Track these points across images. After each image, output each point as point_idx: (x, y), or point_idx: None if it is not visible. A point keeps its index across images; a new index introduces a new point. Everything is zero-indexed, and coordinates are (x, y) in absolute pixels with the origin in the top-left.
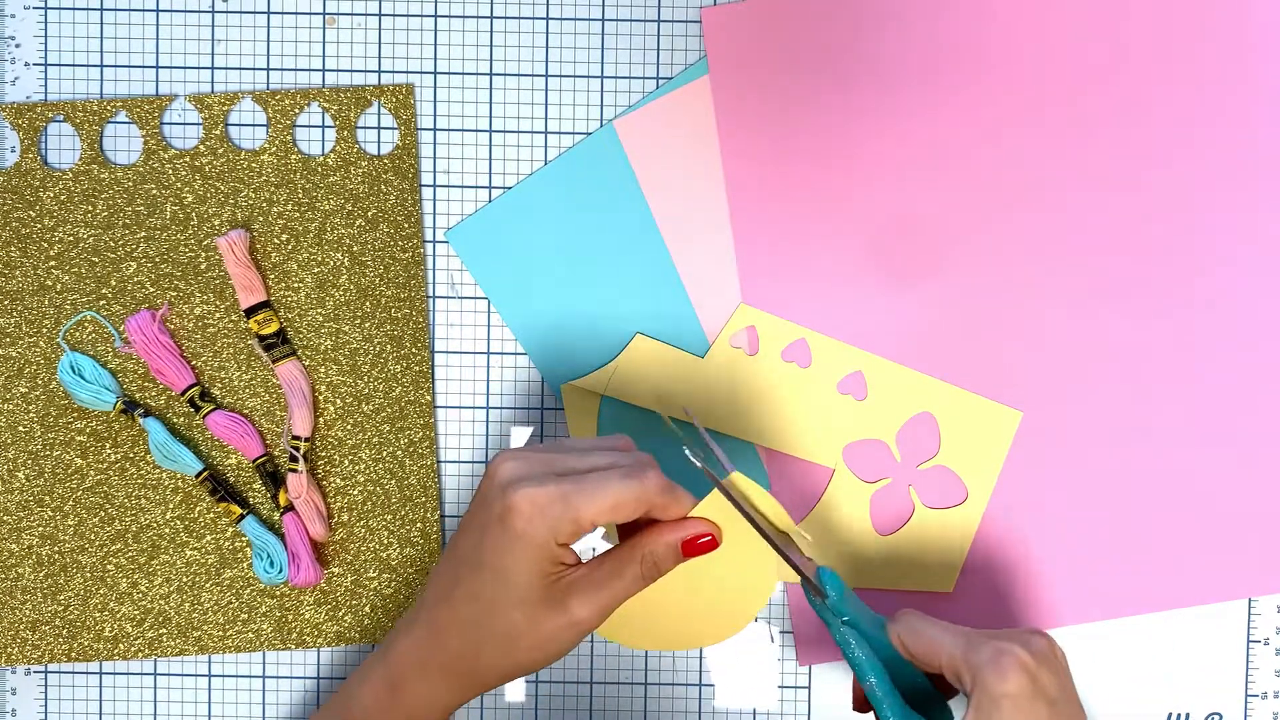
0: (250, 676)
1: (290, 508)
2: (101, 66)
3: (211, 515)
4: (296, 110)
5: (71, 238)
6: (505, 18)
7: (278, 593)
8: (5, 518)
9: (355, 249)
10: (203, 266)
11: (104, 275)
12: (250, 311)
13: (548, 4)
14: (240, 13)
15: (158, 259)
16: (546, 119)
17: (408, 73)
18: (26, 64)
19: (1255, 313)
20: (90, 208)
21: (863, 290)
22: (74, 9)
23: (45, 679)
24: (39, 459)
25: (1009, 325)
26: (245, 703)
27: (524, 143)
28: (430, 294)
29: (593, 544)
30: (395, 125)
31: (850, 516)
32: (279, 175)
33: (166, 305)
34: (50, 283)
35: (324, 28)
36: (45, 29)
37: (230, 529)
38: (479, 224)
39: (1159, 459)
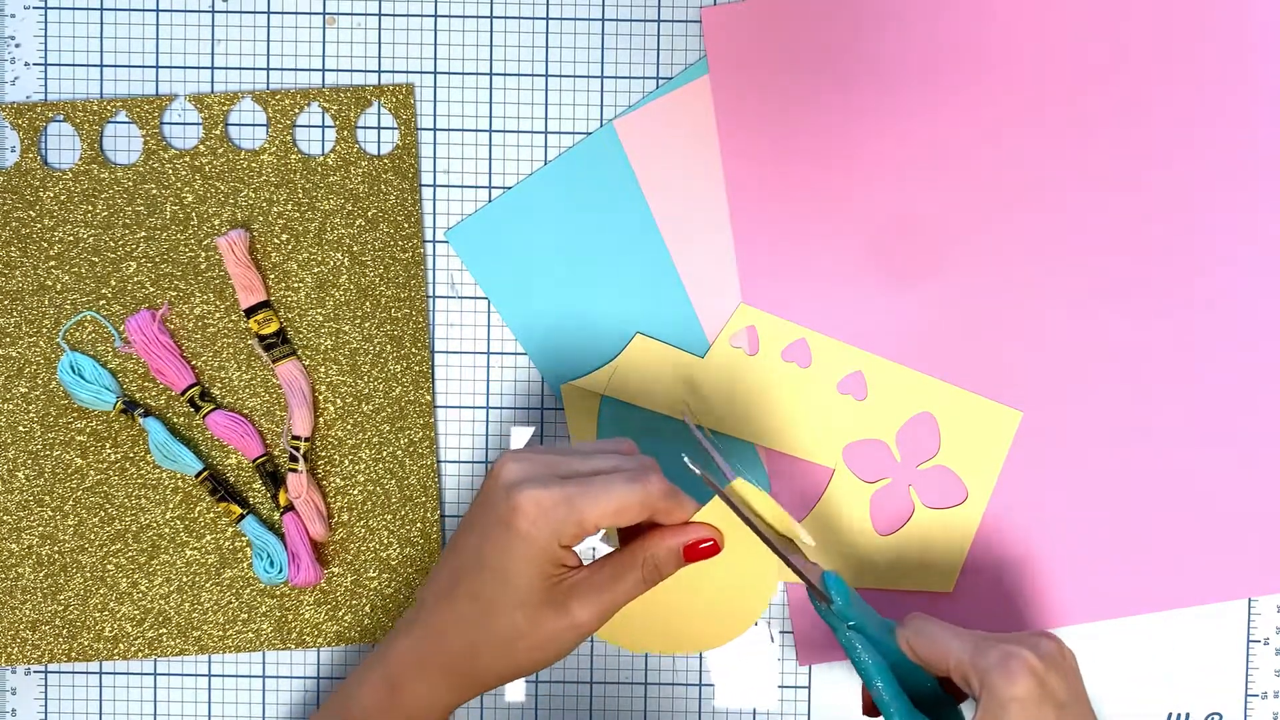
0: (250, 676)
1: (290, 508)
2: (101, 66)
3: (211, 515)
4: (296, 110)
5: (71, 238)
6: (505, 18)
7: (278, 593)
8: (5, 518)
9: (355, 249)
10: (203, 266)
11: (104, 275)
12: (250, 311)
13: (548, 4)
14: (240, 13)
15: (158, 259)
16: (546, 119)
17: (408, 73)
18: (26, 64)
19: (1255, 313)
20: (90, 208)
21: (863, 290)
22: (74, 9)
23: (45, 679)
24: (39, 459)
25: (1009, 325)
26: (245, 703)
27: (524, 143)
28: (430, 294)
29: (592, 545)
30: (395, 125)
31: (850, 516)
32: (279, 175)
33: (166, 305)
34: (50, 283)
35: (324, 28)
36: (45, 29)
37: (230, 529)
38: (479, 224)
39: (1159, 459)
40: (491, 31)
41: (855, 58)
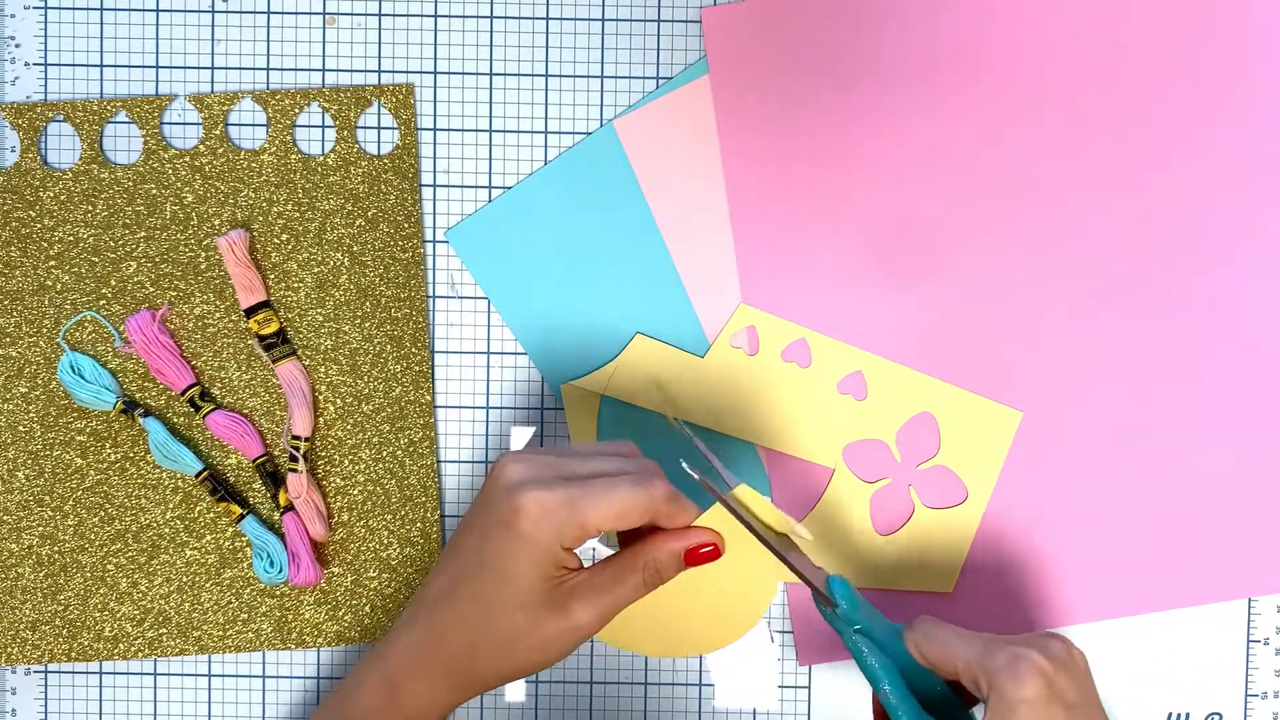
0: (250, 676)
1: (290, 508)
2: (101, 66)
3: (211, 515)
4: (296, 110)
5: (71, 238)
6: (505, 18)
7: (278, 593)
8: (5, 518)
9: (355, 249)
10: (203, 266)
11: (104, 275)
12: (250, 311)
13: (548, 4)
14: (240, 13)
15: (158, 259)
16: (546, 119)
17: (408, 73)
18: (26, 64)
19: (1255, 313)
20: (90, 208)
21: (863, 290)
22: (74, 9)
23: (45, 679)
24: (39, 459)
25: (1009, 325)
26: (245, 703)
27: (524, 143)
28: (430, 294)
29: (591, 546)
30: (395, 125)
31: (850, 516)
32: (279, 175)
33: (166, 305)
34: (50, 283)
35: (324, 28)
36: (45, 29)
37: (230, 529)
38: (479, 224)
39: (1159, 459)
40: (491, 31)
41: (855, 58)
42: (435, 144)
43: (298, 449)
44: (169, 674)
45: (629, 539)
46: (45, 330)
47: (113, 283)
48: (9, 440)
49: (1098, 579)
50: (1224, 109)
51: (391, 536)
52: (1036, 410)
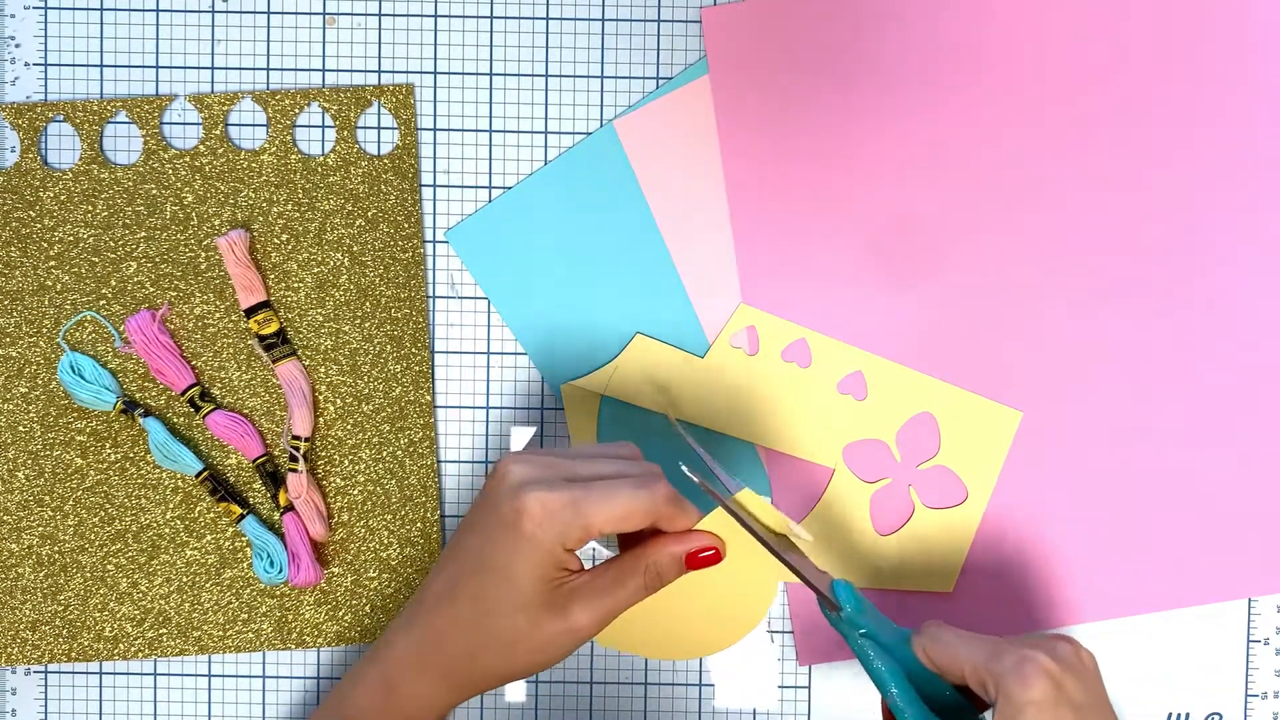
0: (250, 676)
1: (290, 508)
2: (101, 66)
3: (211, 515)
4: (296, 110)
5: (71, 238)
6: (505, 18)
7: (278, 593)
8: (5, 518)
9: (355, 249)
10: (203, 266)
11: (104, 275)
12: (250, 311)
13: (548, 4)
14: (240, 13)
15: (158, 259)
16: (546, 119)
17: (408, 73)
18: (26, 64)
19: (1255, 313)
20: (90, 208)
21: (863, 290)
22: (74, 9)
23: (45, 679)
24: (39, 459)
25: (1009, 325)
26: (245, 703)
27: (524, 143)
28: (430, 294)
29: (590, 547)
30: (395, 125)
31: (850, 516)
32: (279, 175)
33: (166, 305)
34: (50, 283)
35: (324, 28)
36: (45, 29)
37: (230, 529)
38: (479, 224)
39: (1159, 459)
40: (491, 31)
41: (855, 58)
42: (435, 144)
43: (298, 449)
44: (169, 674)
45: (629, 542)
46: (45, 330)
47: (113, 283)
48: (9, 440)
49: (1098, 579)
50: (1224, 109)
51: (391, 536)
52: (1036, 410)
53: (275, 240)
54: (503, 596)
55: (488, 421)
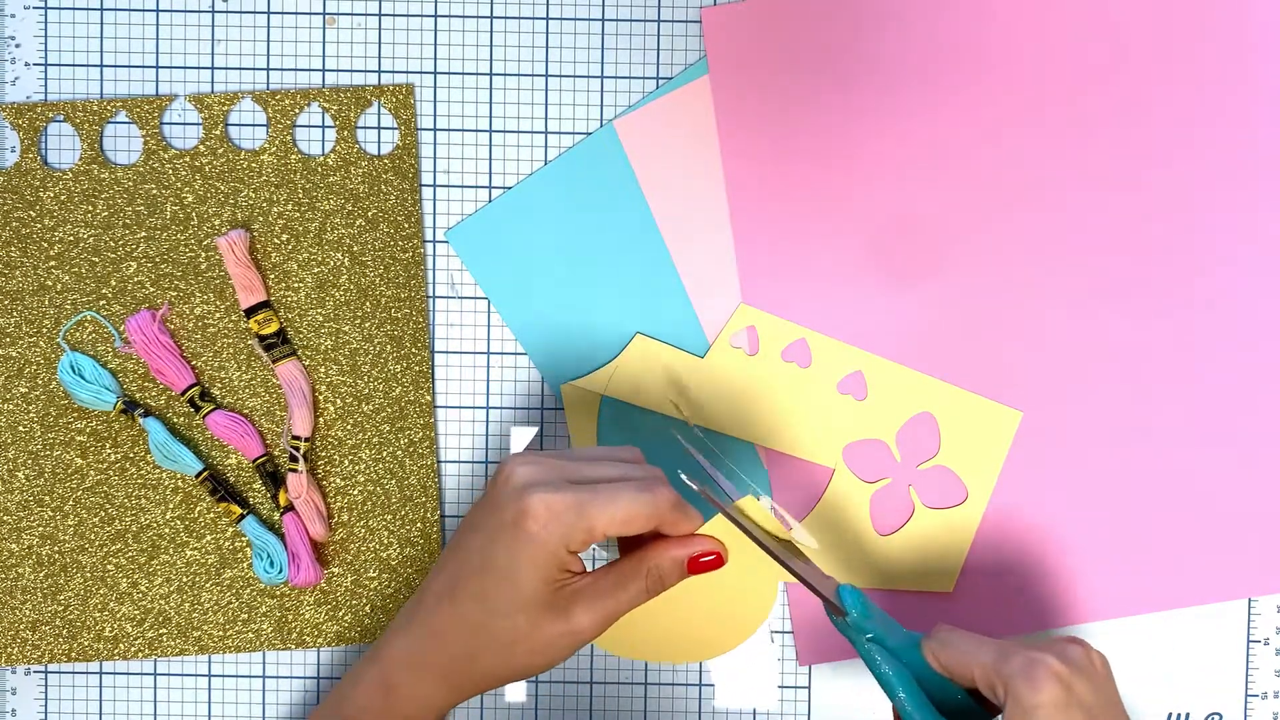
0: (250, 676)
1: (290, 508)
2: (101, 66)
3: (211, 515)
4: (296, 110)
5: (71, 238)
6: (505, 18)
7: (278, 593)
8: (5, 518)
9: (355, 249)
10: (203, 266)
11: (104, 275)
12: (250, 311)
13: (548, 4)
14: (240, 13)
15: (158, 259)
16: (546, 119)
17: (408, 73)
18: (26, 64)
19: (1255, 313)
20: (90, 208)
21: (863, 290)
22: (74, 9)
23: (45, 679)
24: (39, 459)
25: (1009, 325)
26: (245, 703)
27: (524, 143)
28: (430, 294)
29: (589, 549)
30: (395, 125)
31: (850, 516)
32: (279, 175)
33: (166, 305)
34: (50, 283)
35: (324, 28)
36: (45, 29)
37: (230, 529)
38: (479, 224)
39: (1159, 459)
40: (491, 31)
41: (855, 58)
42: (435, 144)
43: (298, 449)
44: (169, 674)
45: (629, 545)
46: (45, 330)
47: (113, 283)
48: (9, 440)
49: (1098, 579)
50: (1224, 109)
51: (391, 536)
52: (1036, 410)
53: (275, 240)
54: (504, 597)
55: (488, 421)
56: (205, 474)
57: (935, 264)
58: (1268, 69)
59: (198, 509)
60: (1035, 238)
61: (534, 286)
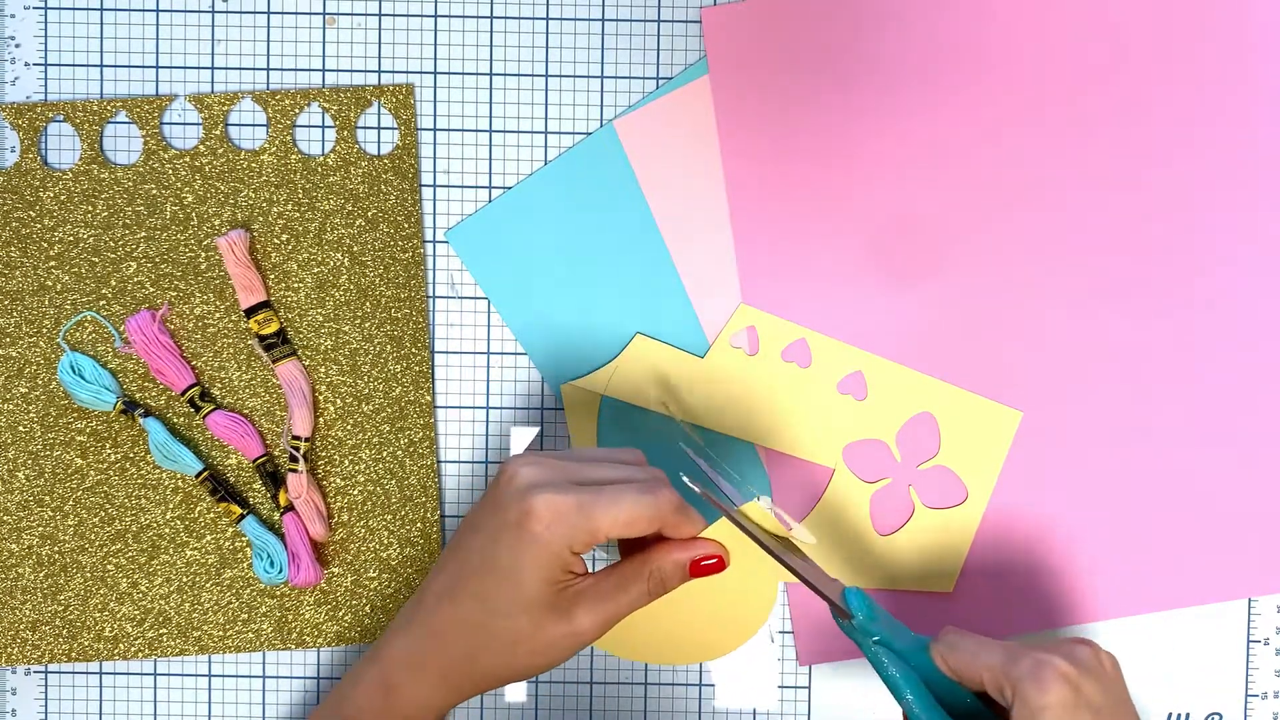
0: (250, 676)
1: (290, 508)
2: (101, 66)
3: (211, 515)
4: (296, 110)
5: (71, 238)
6: (505, 18)
7: (278, 593)
8: (5, 518)
9: (355, 249)
10: (203, 266)
11: (104, 275)
12: (250, 311)
13: (548, 4)
14: (240, 13)
15: (158, 259)
16: (546, 119)
17: (408, 73)
18: (26, 64)
19: (1255, 313)
20: (90, 208)
21: (863, 290)
22: (74, 9)
23: (45, 679)
24: (39, 459)
25: (1009, 325)
26: (245, 703)
27: (524, 143)
28: (430, 294)
29: None
30: (395, 125)
31: (850, 517)
32: (279, 175)
33: (166, 305)
34: (50, 283)
35: (324, 28)
36: (45, 29)
37: (230, 529)
38: (479, 224)
39: (1159, 459)
40: (491, 31)
41: (855, 58)
42: (435, 144)
43: (298, 449)
44: (169, 674)
45: (629, 547)
46: (45, 330)
47: (113, 283)
48: (9, 440)
49: (1098, 579)
50: (1224, 109)
51: (391, 536)
52: (1036, 410)
53: (275, 240)
54: (506, 597)
55: (488, 421)
56: (205, 474)
57: (935, 264)
58: (1268, 69)
59: (198, 509)
60: (1035, 238)
61: (534, 286)
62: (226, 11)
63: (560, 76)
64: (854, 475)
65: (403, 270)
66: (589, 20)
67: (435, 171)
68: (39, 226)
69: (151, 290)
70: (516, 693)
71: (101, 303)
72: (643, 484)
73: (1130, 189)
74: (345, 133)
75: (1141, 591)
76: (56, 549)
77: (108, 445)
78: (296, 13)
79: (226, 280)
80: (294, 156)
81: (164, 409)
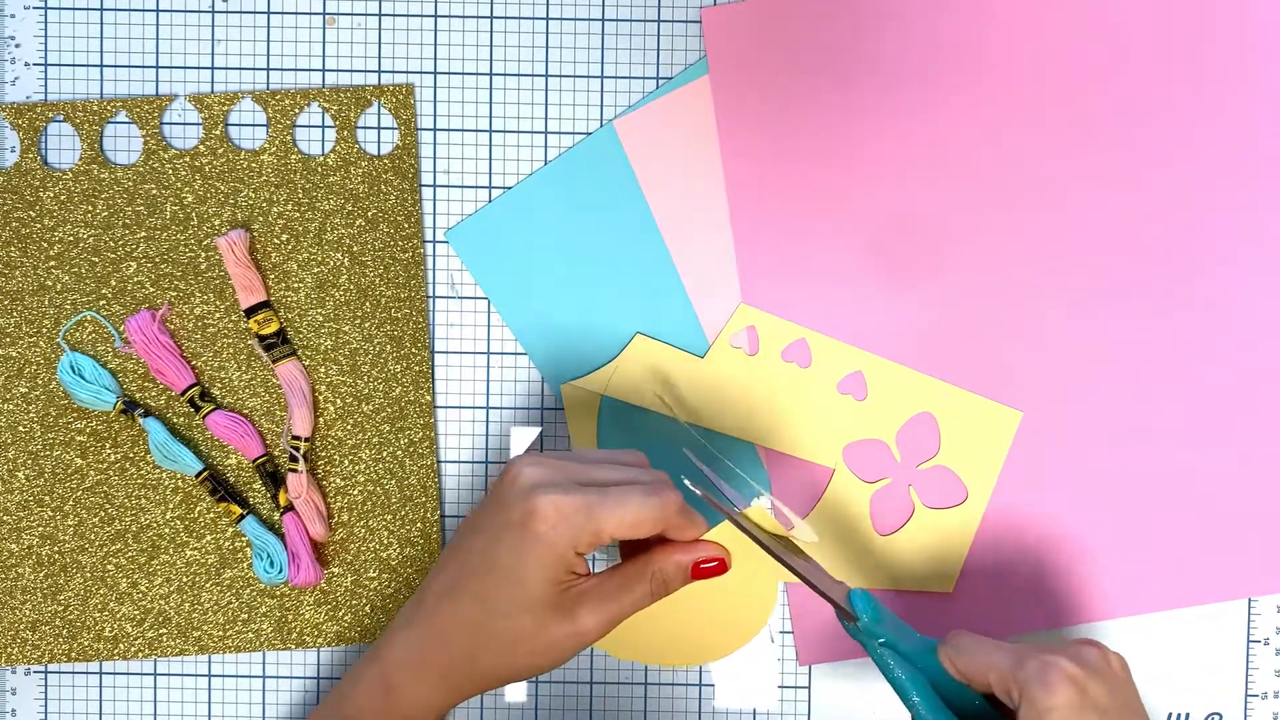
0: (250, 676)
1: (290, 508)
2: (101, 66)
3: (211, 515)
4: (296, 110)
5: (71, 238)
6: (505, 18)
7: (278, 593)
8: (5, 518)
9: (355, 249)
10: (203, 266)
11: (104, 275)
12: (250, 311)
13: (548, 4)
14: (240, 13)
15: (158, 259)
16: (546, 119)
17: (408, 73)
18: (26, 64)
19: (1255, 313)
20: (90, 208)
21: (863, 290)
22: (74, 9)
23: (45, 679)
24: (39, 459)
25: (1009, 325)
26: (245, 703)
27: (524, 143)
28: (430, 294)
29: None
30: (395, 125)
31: (850, 517)
32: (279, 175)
33: (166, 305)
34: (50, 283)
35: (324, 28)
36: (45, 29)
37: (230, 529)
38: (479, 224)
39: (1159, 459)
40: (491, 31)
41: (855, 58)
42: (435, 144)
43: (298, 449)
44: (169, 674)
45: (630, 548)
46: (45, 330)
47: (113, 283)
48: (9, 440)
49: (1098, 579)
50: (1224, 109)
51: (391, 536)
52: (1036, 410)
53: (275, 240)
54: (507, 597)
55: (488, 421)
56: (205, 474)
57: (935, 264)
58: (1268, 69)
59: (198, 509)
60: (1035, 238)
61: (534, 286)
62: (226, 11)
63: (560, 76)
64: (854, 475)
65: (403, 270)
66: (589, 20)
67: (435, 171)
68: (39, 226)
69: (151, 290)
70: (516, 693)
71: (101, 303)
72: (648, 486)
73: (1130, 189)
74: (345, 133)
75: (1141, 591)
76: (56, 549)
77: (108, 445)
78: (296, 13)
79: (226, 280)
80: (294, 156)
81: (164, 409)
